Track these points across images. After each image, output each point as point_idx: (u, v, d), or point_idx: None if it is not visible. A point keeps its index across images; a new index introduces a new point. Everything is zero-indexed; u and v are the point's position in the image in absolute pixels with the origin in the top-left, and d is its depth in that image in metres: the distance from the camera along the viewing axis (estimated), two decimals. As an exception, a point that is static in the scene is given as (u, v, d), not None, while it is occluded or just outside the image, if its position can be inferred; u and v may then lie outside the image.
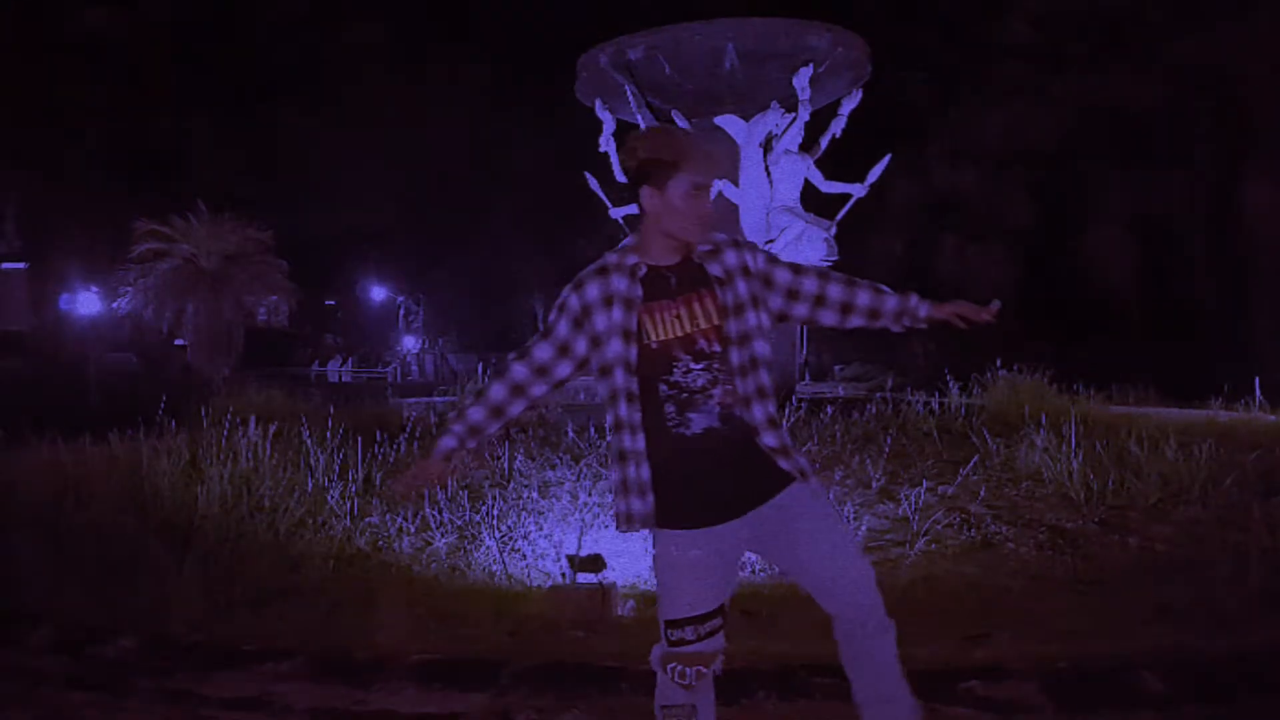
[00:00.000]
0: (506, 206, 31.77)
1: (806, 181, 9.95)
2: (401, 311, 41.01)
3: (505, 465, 5.82)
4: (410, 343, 40.36)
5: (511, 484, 5.49)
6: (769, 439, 2.09)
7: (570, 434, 6.44)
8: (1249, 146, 19.96)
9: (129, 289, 21.51)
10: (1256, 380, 8.70)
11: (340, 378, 30.41)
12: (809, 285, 2.19)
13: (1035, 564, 4.46)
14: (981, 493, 5.29)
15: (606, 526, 4.79)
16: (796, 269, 2.21)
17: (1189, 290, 20.83)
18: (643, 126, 10.25)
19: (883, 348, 19.78)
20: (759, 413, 2.09)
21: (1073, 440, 5.50)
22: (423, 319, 40.75)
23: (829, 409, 6.87)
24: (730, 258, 2.13)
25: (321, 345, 37.98)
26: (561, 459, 5.98)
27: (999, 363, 8.58)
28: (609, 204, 10.58)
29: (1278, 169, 19.26)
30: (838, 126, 10.24)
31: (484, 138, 30.11)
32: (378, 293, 42.03)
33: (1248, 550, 4.28)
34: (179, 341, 23.22)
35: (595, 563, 4.40)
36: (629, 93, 10.09)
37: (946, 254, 22.73)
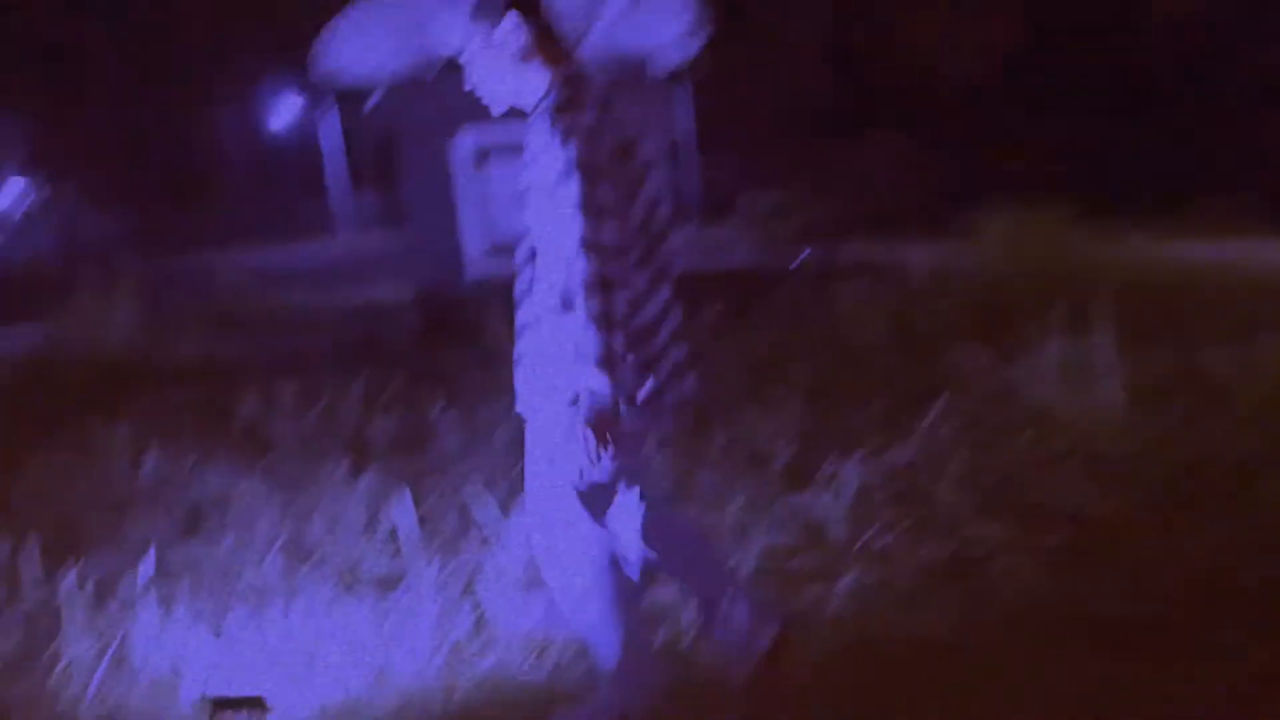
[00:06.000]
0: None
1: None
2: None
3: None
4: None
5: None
6: None
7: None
8: None
9: None
10: None
11: None
12: None
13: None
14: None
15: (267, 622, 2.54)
16: None
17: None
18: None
19: (818, 159, 12.44)
20: None
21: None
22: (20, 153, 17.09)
23: (714, 302, 4.22)
24: None
25: None
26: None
27: (996, 185, 5.69)
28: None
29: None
30: None
31: None
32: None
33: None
34: None
35: (253, 706, 2.42)
36: None
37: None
